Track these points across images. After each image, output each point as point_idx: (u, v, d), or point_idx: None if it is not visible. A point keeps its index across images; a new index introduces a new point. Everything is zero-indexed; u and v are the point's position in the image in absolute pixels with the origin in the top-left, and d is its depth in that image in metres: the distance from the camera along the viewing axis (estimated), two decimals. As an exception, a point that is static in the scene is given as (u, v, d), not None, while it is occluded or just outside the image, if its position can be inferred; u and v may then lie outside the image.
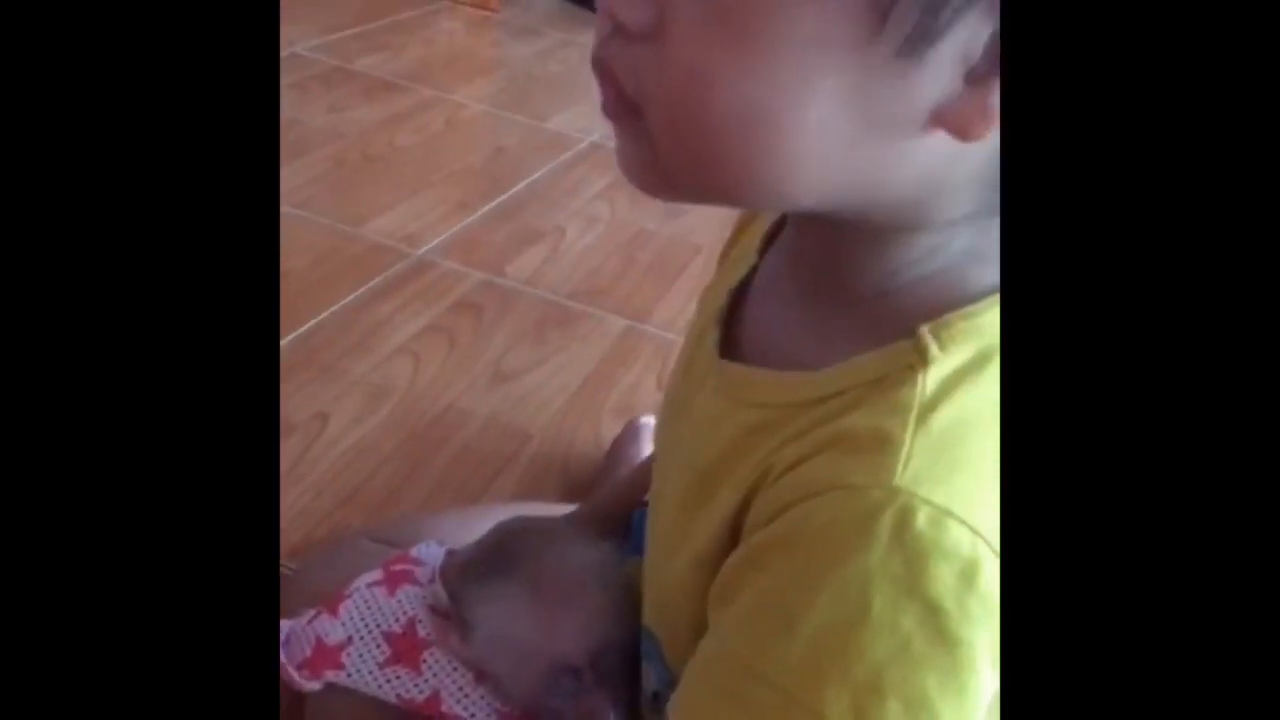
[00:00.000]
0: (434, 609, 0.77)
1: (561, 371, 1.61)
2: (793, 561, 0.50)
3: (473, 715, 0.74)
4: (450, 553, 0.85)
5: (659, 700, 0.68)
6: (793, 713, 0.49)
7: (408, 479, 1.33)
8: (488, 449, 1.41)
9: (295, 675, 0.76)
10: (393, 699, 0.74)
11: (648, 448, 1.33)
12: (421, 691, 0.74)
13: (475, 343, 1.64)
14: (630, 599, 0.71)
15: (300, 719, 0.79)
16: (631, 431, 1.36)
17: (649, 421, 1.38)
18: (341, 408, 1.43)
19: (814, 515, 0.49)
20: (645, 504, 0.83)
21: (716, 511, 0.58)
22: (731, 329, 0.65)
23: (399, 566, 0.83)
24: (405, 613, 0.79)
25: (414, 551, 0.86)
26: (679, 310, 1.79)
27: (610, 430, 1.42)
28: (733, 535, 0.57)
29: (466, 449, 1.40)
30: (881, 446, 0.49)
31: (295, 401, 1.42)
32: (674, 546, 0.62)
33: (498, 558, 0.76)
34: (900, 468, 0.48)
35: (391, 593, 0.79)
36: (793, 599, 0.49)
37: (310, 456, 1.33)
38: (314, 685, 0.75)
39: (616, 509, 0.90)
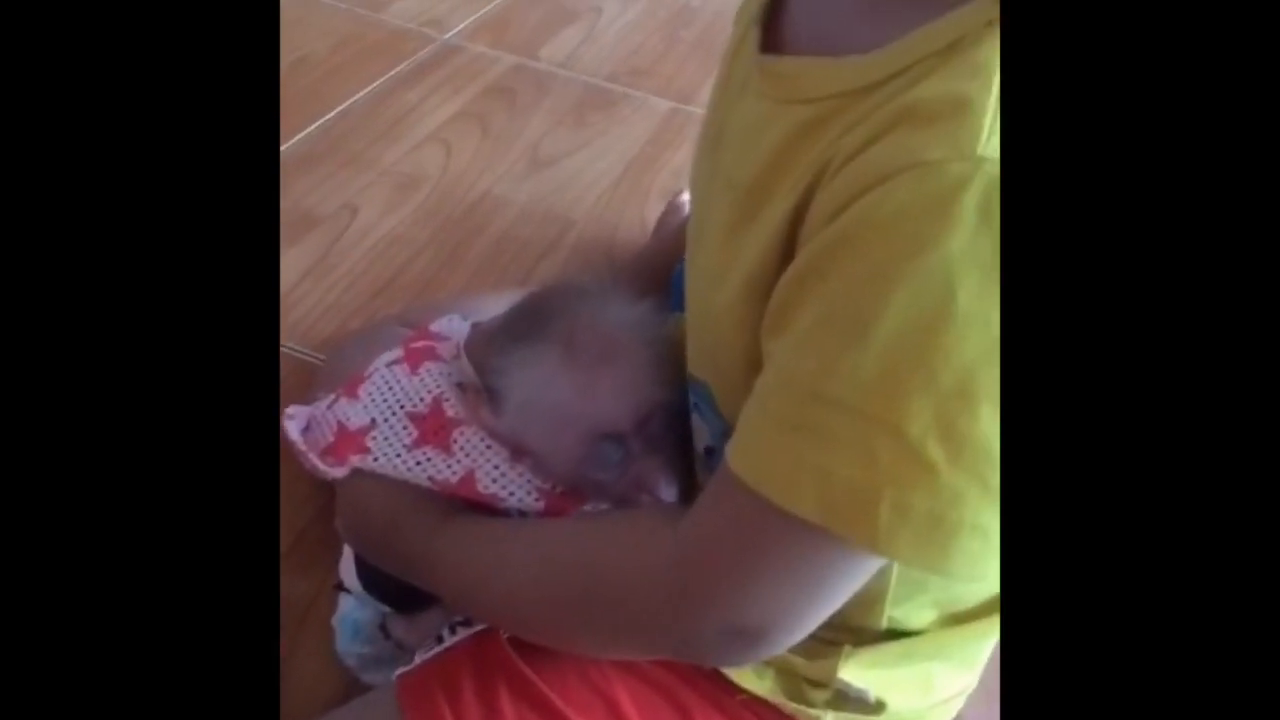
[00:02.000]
0: (461, 385, 0.69)
1: (603, 155, 1.50)
2: (862, 259, 0.42)
3: (511, 494, 0.67)
4: (475, 325, 0.77)
5: (713, 456, 0.61)
6: (869, 435, 0.42)
7: (444, 268, 1.25)
8: (528, 236, 1.31)
9: (319, 463, 0.70)
10: (424, 481, 0.68)
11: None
12: (454, 472, 0.68)
13: (510, 128, 1.52)
14: (675, 354, 0.63)
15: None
16: (674, 208, 1.26)
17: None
18: (370, 198, 1.34)
19: (884, 202, 0.41)
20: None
21: (766, 226, 0.50)
22: (772, 31, 0.55)
23: (419, 343, 0.75)
24: (430, 391, 0.71)
25: (434, 326, 0.78)
26: (729, 88, 1.65)
27: (657, 214, 1.32)
28: (785, 251, 0.49)
29: (505, 236, 1.31)
30: (959, 113, 0.40)
31: (321, 193, 1.33)
32: (720, 276, 0.54)
33: (527, 320, 0.67)
34: (984, 135, 0.40)
35: (413, 371, 0.72)
36: (863, 303, 0.42)
37: (339, 249, 1.25)
38: (340, 471, 0.69)
39: (655, 267, 0.81)
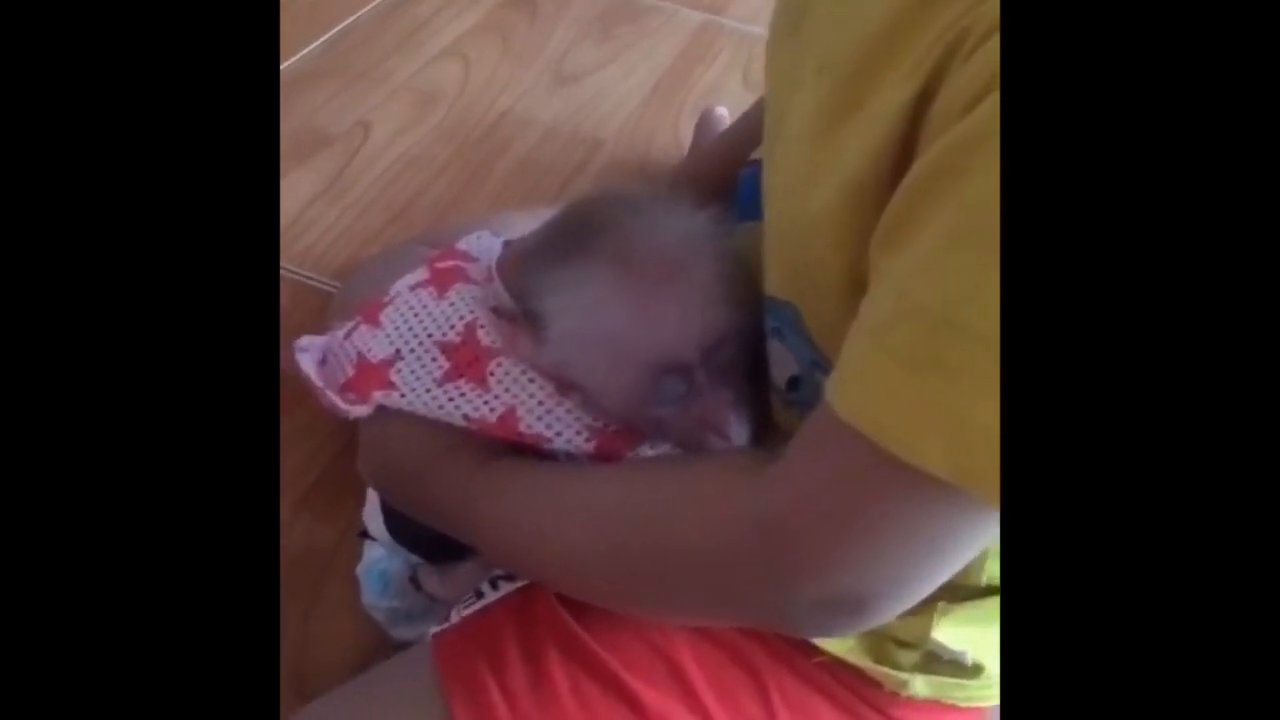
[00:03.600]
0: (497, 311, 0.61)
1: (631, 72, 1.40)
2: None
3: (558, 434, 0.59)
4: (508, 244, 0.69)
5: (797, 389, 0.53)
6: None
7: (465, 190, 1.16)
8: (553, 157, 1.22)
9: (338, 400, 0.62)
10: (459, 420, 0.60)
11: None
12: (493, 409, 0.60)
13: (531, 42, 1.42)
14: (745, 273, 0.55)
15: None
16: (709, 121, 1.16)
17: (725, 111, 1.18)
18: (385, 116, 1.25)
19: None
20: (754, 162, 0.65)
21: (876, 118, 0.41)
22: None
23: (446, 263, 0.67)
24: (461, 317, 0.63)
25: (461, 244, 0.70)
26: (763, 0, 1.54)
27: (690, 132, 1.23)
28: (903, 149, 0.41)
29: (530, 158, 1.22)
30: None
31: (330, 110, 1.24)
32: (812, 179, 0.45)
33: (572, 236, 0.59)
34: None
35: (441, 294, 0.64)
36: None
37: (352, 170, 1.16)
38: (362, 410, 0.61)
39: (714, 172, 0.72)
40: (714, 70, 1.42)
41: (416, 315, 0.63)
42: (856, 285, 0.44)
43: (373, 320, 0.64)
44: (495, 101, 1.30)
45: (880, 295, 0.41)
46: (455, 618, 0.61)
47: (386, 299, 0.66)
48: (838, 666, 0.59)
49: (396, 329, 0.63)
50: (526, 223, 0.73)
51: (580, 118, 1.29)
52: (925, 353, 0.37)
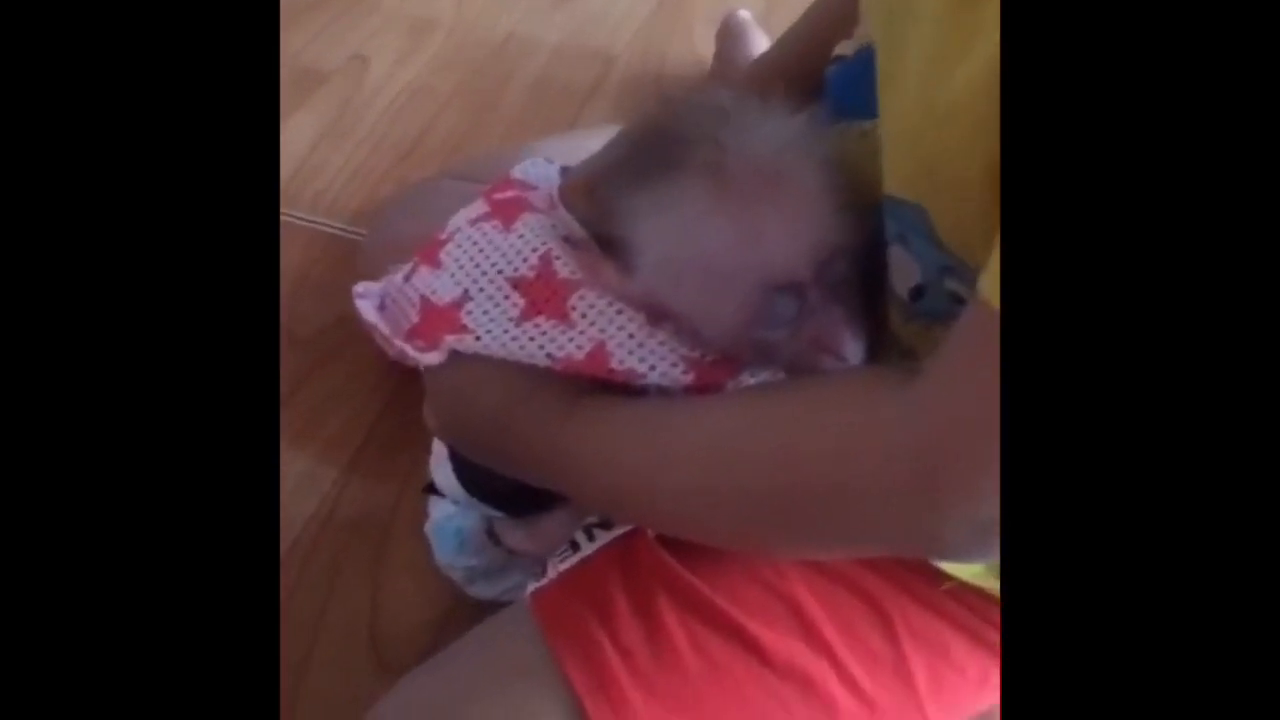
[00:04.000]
0: (570, 240, 0.56)
1: (634, -19, 1.33)
2: None
3: (652, 367, 0.55)
4: (566, 170, 0.63)
5: (924, 295, 0.48)
6: None
7: (477, 121, 1.09)
8: (565, 78, 1.16)
9: (407, 347, 0.57)
10: (543, 360, 0.55)
11: (759, 42, 1.08)
12: (579, 346, 0.55)
13: (524, -42, 1.35)
14: (854, 178, 0.50)
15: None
16: (732, 29, 1.10)
17: (748, 14, 1.12)
18: (380, 47, 1.17)
19: None
20: (839, 58, 0.60)
21: None
22: None
23: (505, 194, 0.62)
24: (534, 249, 0.58)
25: (516, 173, 0.64)
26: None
27: (706, 42, 1.16)
28: None
29: (540, 81, 1.15)
30: None
31: (321, 45, 1.17)
32: (946, 62, 0.40)
33: (654, 152, 0.53)
34: None
35: (508, 227, 0.59)
36: None
37: (355, 107, 1.09)
38: (434, 356, 0.56)
39: (796, 67, 0.66)
40: (719, -26, 1.35)
41: (483, 251, 0.58)
42: (999, 177, 0.39)
43: (432, 261, 0.59)
44: (495, 24, 1.23)
45: None
46: (552, 572, 0.57)
47: (444, 235, 0.60)
48: (967, 592, 0.56)
49: (462, 267, 0.58)
50: (583, 144, 0.67)
51: (587, 34, 1.22)
52: None
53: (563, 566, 0.57)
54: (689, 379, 0.53)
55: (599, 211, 0.55)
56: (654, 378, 0.53)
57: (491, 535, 0.67)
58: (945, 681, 0.58)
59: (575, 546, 0.58)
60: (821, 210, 0.49)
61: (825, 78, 0.57)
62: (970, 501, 0.40)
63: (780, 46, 0.70)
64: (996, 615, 0.56)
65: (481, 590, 0.70)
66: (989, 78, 0.39)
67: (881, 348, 0.52)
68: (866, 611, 0.56)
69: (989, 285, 0.39)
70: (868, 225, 0.49)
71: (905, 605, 0.56)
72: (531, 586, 0.58)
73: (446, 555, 0.69)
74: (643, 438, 0.51)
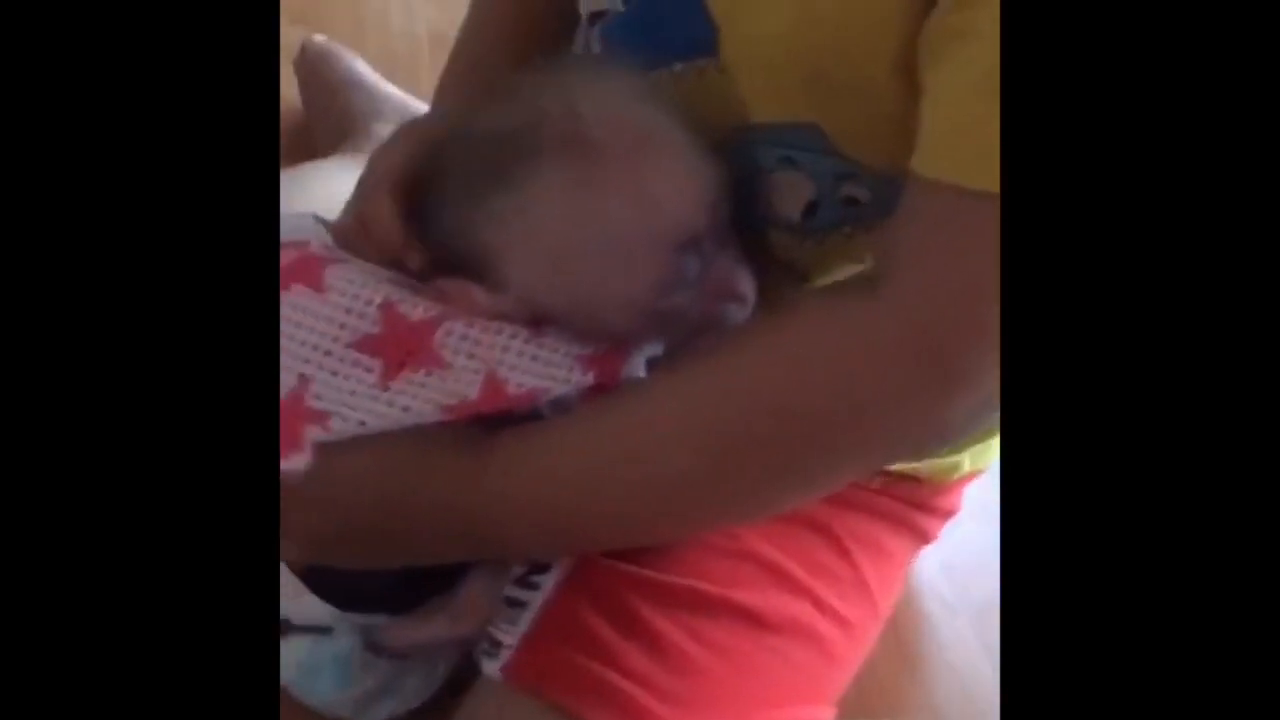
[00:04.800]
0: (398, 279, 0.49)
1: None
2: None
3: (552, 377, 0.48)
4: (318, 218, 0.55)
5: (819, 209, 0.48)
6: None
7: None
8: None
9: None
10: (433, 414, 0.47)
11: (348, 62, 0.99)
12: (468, 384, 0.48)
13: None
14: (707, 119, 0.49)
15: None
16: (312, 57, 0.98)
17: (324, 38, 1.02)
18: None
19: None
20: (597, 15, 0.58)
21: None
22: None
23: (290, 258, 0.53)
24: (366, 302, 0.49)
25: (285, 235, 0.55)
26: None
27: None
28: None
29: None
30: None
31: None
32: None
33: (494, 147, 0.47)
34: None
35: (317, 288, 0.50)
36: None
37: None
38: (298, 459, 0.47)
39: (516, 47, 0.62)
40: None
41: (301, 325, 0.49)
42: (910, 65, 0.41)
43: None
44: None
45: (963, 61, 0.38)
46: (508, 639, 0.51)
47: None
48: (889, 482, 0.58)
49: (285, 351, 0.49)
50: (320, 182, 0.60)
51: None
52: None
53: (519, 629, 0.51)
54: (590, 379, 0.49)
55: (439, 233, 0.49)
56: (558, 389, 0.49)
57: (373, 648, 0.58)
58: (887, 576, 0.60)
59: (518, 604, 0.52)
60: (697, 157, 0.47)
61: (591, 37, 0.55)
62: (978, 374, 0.41)
63: (479, 41, 0.66)
64: (920, 496, 0.59)
65: (378, 713, 0.60)
66: None
67: (768, 281, 0.52)
68: (818, 538, 0.56)
69: (926, 160, 0.40)
70: (734, 162, 0.49)
71: (845, 517, 0.57)
72: (492, 665, 0.51)
73: (328, 692, 0.59)
74: (593, 444, 0.47)
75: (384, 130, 0.88)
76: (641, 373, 0.50)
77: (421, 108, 0.92)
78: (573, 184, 0.46)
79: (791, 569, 0.54)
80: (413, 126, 0.56)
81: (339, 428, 0.48)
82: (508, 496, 0.47)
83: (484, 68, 0.59)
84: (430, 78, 0.94)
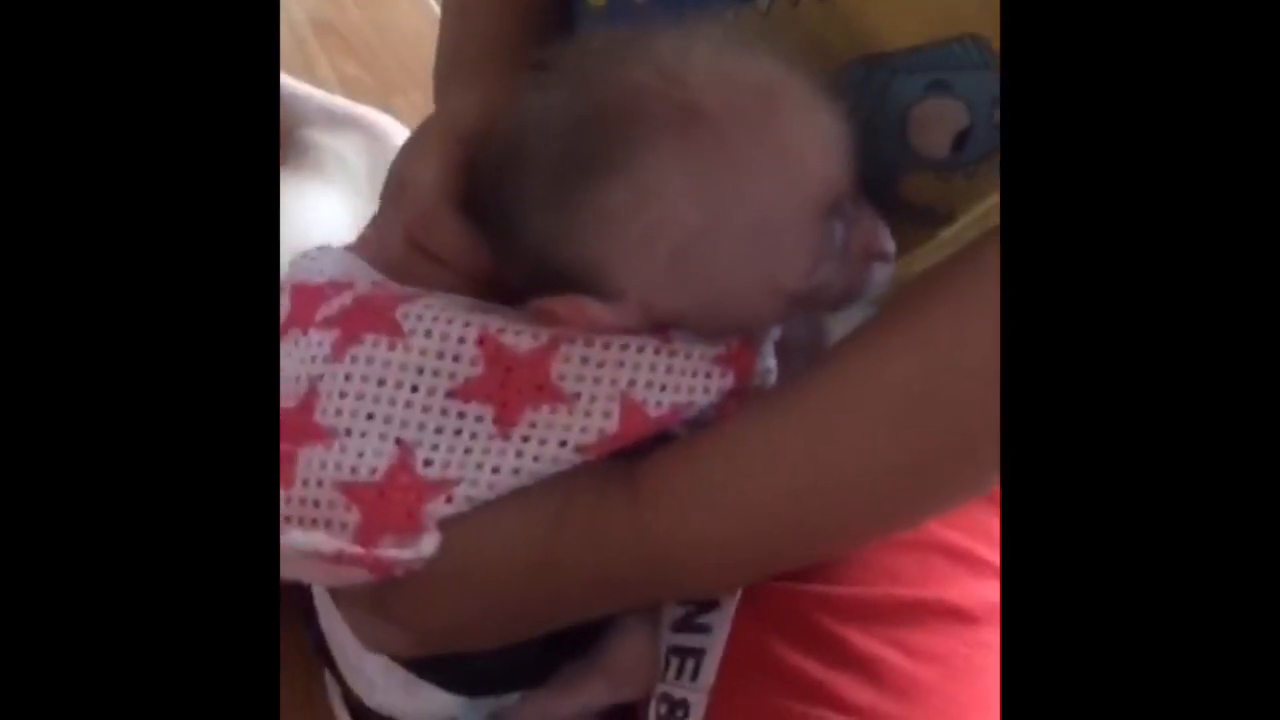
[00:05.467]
0: (480, 304, 0.40)
1: None
2: None
3: (691, 389, 0.40)
4: (349, 248, 0.46)
5: (970, 138, 0.41)
6: None
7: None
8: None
9: (387, 551, 0.37)
10: (567, 459, 0.38)
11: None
12: (606, 414, 0.39)
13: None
14: (824, 55, 0.41)
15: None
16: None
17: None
18: None
19: None
20: None
21: None
22: None
23: (335, 304, 0.42)
24: (459, 339, 0.40)
25: (300, 277, 0.45)
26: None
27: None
28: None
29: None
30: None
31: None
32: None
33: (586, 133, 0.39)
34: None
35: (392, 335, 0.41)
36: None
37: None
38: (428, 541, 0.38)
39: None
40: None
41: (386, 382, 0.41)
42: None
43: (313, 436, 0.41)
44: None
45: None
46: (691, 695, 0.44)
47: (295, 402, 0.42)
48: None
49: (373, 417, 0.40)
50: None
51: None
52: None
53: (705, 680, 0.44)
54: (730, 380, 0.42)
55: (521, 246, 0.41)
56: (701, 399, 0.41)
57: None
58: None
59: (691, 652, 0.45)
60: (828, 105, 0.40)
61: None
62: None
63: (480, 16, 0.56)
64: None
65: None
66: None
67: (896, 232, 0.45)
68: (982, 503, 0.50)
69: None
70: (864, 102, 0.41)
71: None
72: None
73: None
74: (775, 455, 0.40)
75: (315, 135, 0.78)
76: (772, 361, 0.43)
77: (348, 104, 0.83)
78: (696, 163, 0.38)
79: (977, 549, 0.48)
80: (441, 129, 0.47)
81: (465, 495, 0.39)
82: (679, 536, 0.40)
83: (499, 48, 0.51)
84: (325, 66, 0.86)
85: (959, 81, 0.41)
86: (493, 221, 0.43)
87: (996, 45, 0.39)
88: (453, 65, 0.54)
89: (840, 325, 0.45)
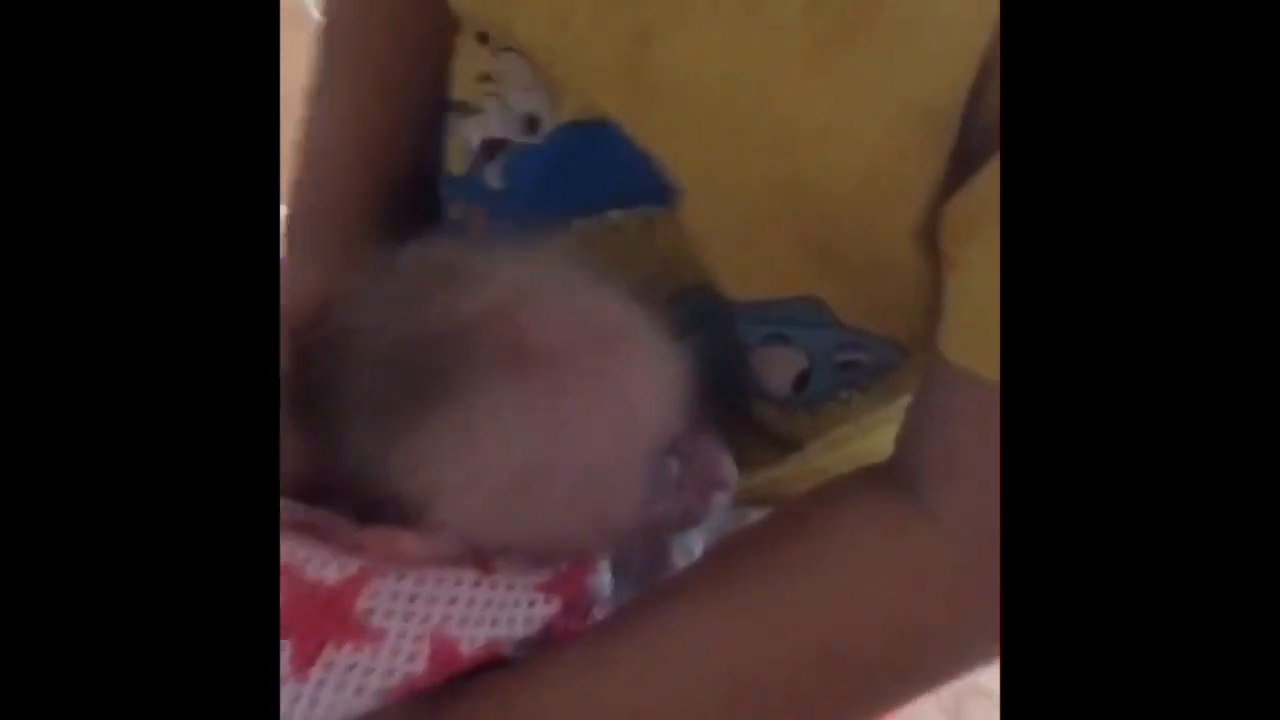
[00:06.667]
0: (309, 528, 0.37)
1: None
2: None
3: (512, 621, 0.38)
4: None
5: (811, 380, 0.41)
6: None
7: None
8: None
9: None
10: (372, 702, 0.37)
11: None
12: (412, 656, 0.37)
13: None
14: (664, 279, 0.39)
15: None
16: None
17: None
18: None
19: None
20: (494, 143, 0.47)
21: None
22: None
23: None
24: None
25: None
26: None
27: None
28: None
29: None
30: None
31: None
32: (825, 126, 0.36)
33: (402, 375, 0.37)
34: None
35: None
36: None
37: None
38: None
39: (368, 196, 0.49)
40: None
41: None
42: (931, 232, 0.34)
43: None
44: None
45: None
46: None
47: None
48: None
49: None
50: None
51: None
52: None
53: None
54: (554, 608, 0.40)
55: (342, 463, 0.38)
56: (518, 630, 0.40)
57: None
58: None
59: None
60: (667, 344, 0.39)
61: (488, 170, 0.44)
62: None
63: (326, 185, 0.51)
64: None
65: None
66: (910, 126, 0.32)
67: (754, 456, 0.44)
68: None
69: (963, 346, 0.33)
70: (708, 338, 0.40)
71: None
72: None
73: None
74: (602, 699, 0.39)
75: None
76: (607, 581, 0.42)
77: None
78: (526, 404, 0.37)
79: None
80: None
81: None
82: None
83: (351, 204, 0.48)
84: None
85: (797, 335, 0.40)
86: (317, 428, 0.40)
87: (836, 311, 0.38)
88: (305, 220, 0.51)
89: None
